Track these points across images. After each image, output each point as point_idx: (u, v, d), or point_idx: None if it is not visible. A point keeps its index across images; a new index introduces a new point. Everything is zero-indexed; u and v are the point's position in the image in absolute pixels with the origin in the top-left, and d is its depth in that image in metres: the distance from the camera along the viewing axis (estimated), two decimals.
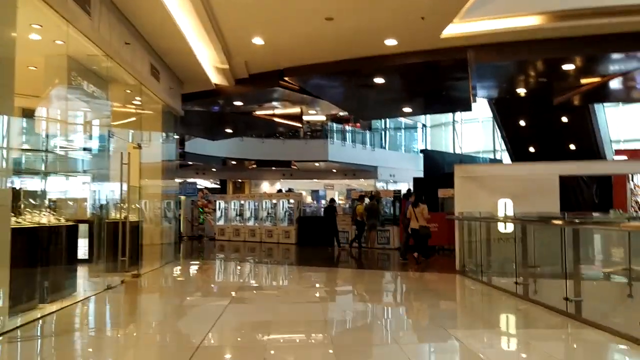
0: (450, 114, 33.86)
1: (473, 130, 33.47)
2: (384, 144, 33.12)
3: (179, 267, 11.82)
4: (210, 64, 11.70)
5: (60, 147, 9.11)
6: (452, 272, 9.82)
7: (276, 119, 16.66)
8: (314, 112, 16.21)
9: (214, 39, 9.92)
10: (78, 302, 6.78)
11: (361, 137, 31.31)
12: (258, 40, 10.18)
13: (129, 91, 9.96)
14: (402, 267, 12.42)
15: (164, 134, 12.02)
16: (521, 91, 13.21)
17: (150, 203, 11.46)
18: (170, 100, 11.97)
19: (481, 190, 9.61)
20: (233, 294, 7.68)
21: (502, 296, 7.34)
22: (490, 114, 31.82)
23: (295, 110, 16.26)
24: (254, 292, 8.23)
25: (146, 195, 11.19)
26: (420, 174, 34.96)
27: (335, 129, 29.86)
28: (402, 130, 35.90)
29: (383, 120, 33.52)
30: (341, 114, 33.97)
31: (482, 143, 32.48)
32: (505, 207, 9.30)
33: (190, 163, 28.73)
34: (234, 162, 30.74)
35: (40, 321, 5.67)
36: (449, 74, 11.58)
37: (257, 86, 12.83)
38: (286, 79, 12.25)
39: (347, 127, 31.19)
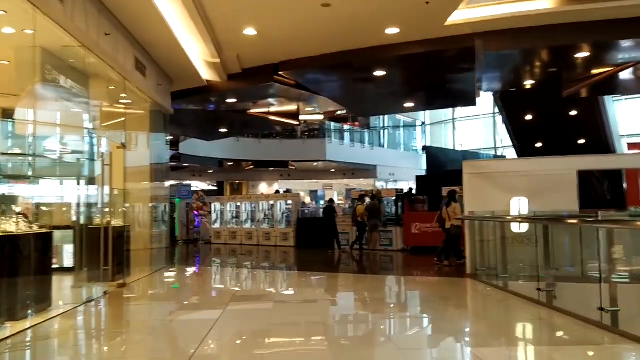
0: (450, 111, 33.36)
1: (473, 127, 32.91)
2: (382, 143, 32.53)
3: (170, 275, 11.12)
4: (200, 58, 11.01)
5: (46, 150, 8.49)
6: (463, 276, 9.14)
7: (272, 117, 15.95)
8: (311, 109, 15.51)
9: (202, 30, 9.23)
10: (51, 318, 6.08)
11: (360, 136, 30.81)
12: (250, 31, 9.50)
13: (112, 87, 9.27)
14: (406, 272, 11.74)
15: (152, 134, 11.33)
16: (529, 83, 12.55)
17: (138, 206, 10.78)
18: (159, 97, 11.28)
19: (492, 187, 8.94)
20: (225, 306, 6.99)
21: (523, 304, 6.64)
22: (491, 111, 31.88)
23: (292, 107, 15.56)
24: (248, 304, 7.53)
25: (134, 198, 10.50)
26: (421, 173, 34.73)
27: (333, 128, 29.33)
28: (401, 129, 35.36)
29: (382, 119, 32.99)
30: (339, 112, 33.42)
31: (482, 140, 31.93)
32: (519, 205, 8.63)
33: (185, 165, 28.15)
34: (230, 164, 30.13)
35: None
36: (454, 65, 10.90)
37: (251, 82, 12.13)
38: (281, 73, 11.56)
39: (345, 126, 30.63)
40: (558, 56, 10.35)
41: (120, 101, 9.51)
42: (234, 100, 13.71)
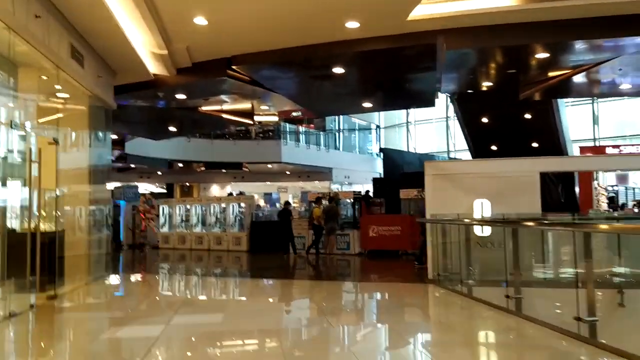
0: (404, 115, 33.59)
1: (426, 131, 33.21)
2: (338, 146, 32.31)
3: (108, 283, 10.23)
4: (146, 49, 10.22)
5: None
6: (423, 282, 8.75)
7: (225, 116, 15.22)
8: (266, 107, 14.89)
9: (147, 17, 8.47)
10: None
11: (315, 139, 30.46)
12: (200, 20, 8.80)
13: (45, 77, 8.38)
14: (365, 277, 11.31)
15: (92, 131, 10.43)
16: (487, 84, 12.39)
17: (75, 209, 9.86)
18: (100, 90, 10.39)
19: (455, 189, 8.60)
20: (168, 320, 6.30)
21: (490, 312, 6.27)
22: (444, 115, 32.29)
23: (246, 105, 14.89)
24: (194, 316, 6.83)
25: (70, 200, 9.59)
26: (376, 176, 34.78)
27: (288, 129, 28.86)
28: (357, 132, 35.29)
29: (337, 121, 32.79)
30: (294, 113, 32.95)
31: (436, 144, 32.24)
32: (482, 208, 8.32)
33: (132, 166, 26.92)
34: (180, 165, 29.10)
35: None
36: (414, 64, 10.57)
37: (202, 76, 11.40)
38: (234, 67, 10.89)
39: (301, 128, 30.22)
40: (517, 57, 10.18)
41: (55, 94, 8.63)
42: (184, 97, 12.92)
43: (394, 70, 11.15)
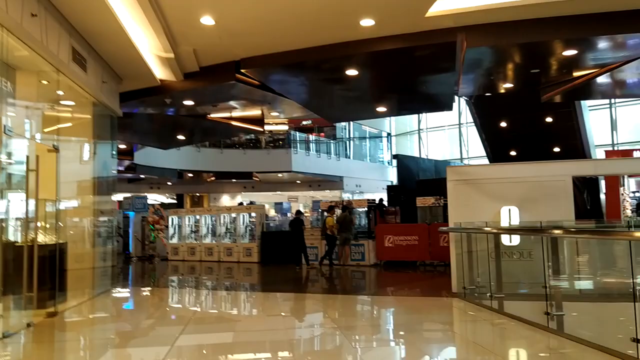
0: (416, 122, 33.09)
1: (438, 138, 32.64)
2: (349, 154, 31.87)
3: (114, 298, 9.74)
4: (152, 52, 9.81)
5: None
6: (448, 295, 8.15)
7: (234, 123, 14.78)
8: (276, 113, 14.42)
9: (152, 17, 8.04)
10: None
11: (326, 147, 30.04)
12: (207, 20, 8.37)
13: (45, 82, 7.97)
14: (382, 290, 10.72)
15: (97, 139, 10.01)
16: (507, 86, 11.82)
17: (78, 221, 9.43)
18: (104, 97, 9.98)
19: (479, 196, 8.03)
20: (174, 340, 5.78)
21: (529, 331, 5.66)
22: (455, 122, 31.70)
23: (256, 112, 14.45)
24: (203, 336, 6.31)
25: (74, 211, 9.17)
26: (387, 184, 34.23)
27: (298, 138, 28.49)
28: (367, 140, 34.84)
29: (347, 129, 32.38)
30: (305, 122, 32.66)
31: (448, 152, 31.63)
32: (509, 215, 7.74)
33: (142, 176, 26.63)
34: (190, 175, 28.79)
35: None
36: (432, 64, 10.06)
37: (210, 81, 10.97)
38: (243, 71, 10.45)
39: (311, 137, 29.84)
40: (542, 55, 9.61)
41: (56, 99, 8.23)
42: (192, 103, 12.49)
43: (411, 71, 10.65)
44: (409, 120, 34.42)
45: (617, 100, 22.97)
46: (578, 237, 5.11)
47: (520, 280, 7.06)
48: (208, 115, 14.42)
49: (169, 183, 29.87)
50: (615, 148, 23.58)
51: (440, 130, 32.90)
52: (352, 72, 10.45)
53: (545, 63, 10.18)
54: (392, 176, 34.24)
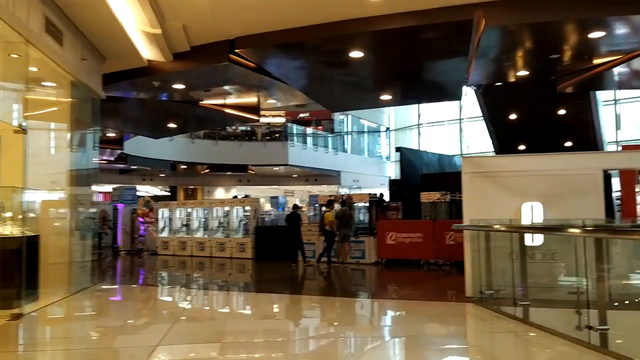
0: (415, 117, 32.33)
1: (437, 133, 31.92)
2: (346, 148, 31.13)
3: (92, 297, 8.87)
4: (138, 27, 8.92)
5: None
6: (461, 300, 7.33)
7: (228, 110, 13.90)
8: (273, 101, 13.55)
9: None
10: None
11: (323, 141, 29.29)
12: None
13: (14, 55, 7.10)
14: (386, 292, 9.89)
15: (75, 121, 9.12)
16: (522, 74, 11.00)
17: (53, 212, 8.56)
18: (85, 76, 9.10)
19: (498, 190, 7.21)
20: (151, 351, 4.94)
21: (565, 347, 4.84)
22: (456, 116, 30.91)
23: (251, 99, 13.57)
24: (186, 347, 5.46)
25: (47, 202, 8.30)
26: (386, 179, 33.51)
27: (295, 131, 27.73)
28: (365, 134, 34.10)
29: (345, 123, 31.58)
30: (302, 115, 31.85)
31: (448, 147, 30.90)
32: (532, 212, 6.92)
33: (134, 167, 25.79)
34: (184, 167, 27.95)
35: None
36: (444, 46, 9.23)
37: (202, 61, 10.10)
38: (238, 51, 9.58)
39: (309, 130, 29.07)
40: (566, 37, 8.79)
41: (28, 76, 7.34)
42: (182, 87, 11.60)
43: (419, 55, 9.81)
44: (408, 115, 33.76)
45: (622, 96, 22.19)
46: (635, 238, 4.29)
47: (546, 284, 6.26)
48: (200, 102, 13.53)
49: (162, 175, 29.07)
50: (619, 145, 22.81)
51: (439, 126, 32.22)
52: (355, 54, 9.59)
53: (567, 47, 9.37)
54: (391, 171, 33.58)
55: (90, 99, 9.82)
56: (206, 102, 13.64)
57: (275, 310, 7.83)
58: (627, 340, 4.63)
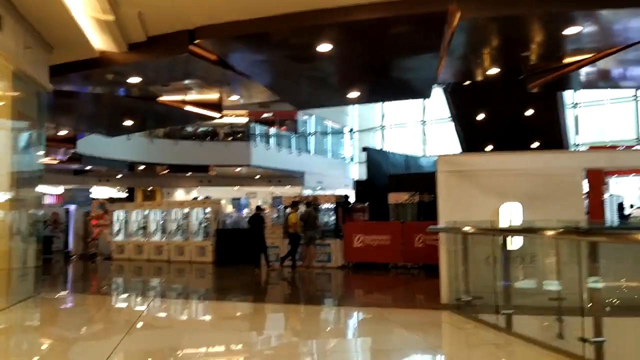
0: (379, 118, 32.30)
1: (401, 135, 32.01)
2: (310, 149, 30.74)
3: (34, 309, 8.05)
4: (88, 13, 8.16)
5: None
6: (436, 307, 6.91)
7: (189, 108, 13.17)
8: (236, 97, 12.89)
9: None
10: None
11: (287, 141, 28.80)
12: None
13: None
14: (355, 298, 9.42)
15: (16, 116, 8.29)
16: (493, 71, 10.78)
17: None
18: (28, 66, 8.30)
19: (476, 190, 6.86)
20: None
21: None
22: (420, 118, 30.97)
23: (213, 96, 12.90)
24: None
25: None
26: (349, 182, 33.17)
27: (258, 131, 27.15)
28: (329, 135, 33.82)
29: (309, 124, 31.15)
30: (265, 115, 31.18)
31: (411, 148, 30.97)
32: (511, 213, 6.59)
33: (88, 168, 24.61)
34: (142, 167, 26.86)
35: None
36: (415, 40, 8.83)
37: (159, 53, 9.38)
38: (198, 42, 8.93)
39: (272, 130, 28.51)
40: (541, 32, 8.55)
41: None
42: (139, 80, 10.83)
43: (389, 49, 9.37)
44: (372, 117, 33.83)
45: (581, 100, 22.54)
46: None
47: (530, 290, 5.93)
48: (159, 98, 12.76)
49: (119, 176, 27.91)
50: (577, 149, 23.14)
51: (403, 127, 32.30)
52: (322, 47, 9.07)
53: (539, 44, 9.15)
54: (354, 173, 33.38)
55: (35, 92, 9.01)
56: (165, 98, 12.87)
57: (235, 320, 7.23)
58: (622, 353, 4.29)
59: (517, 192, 6.67)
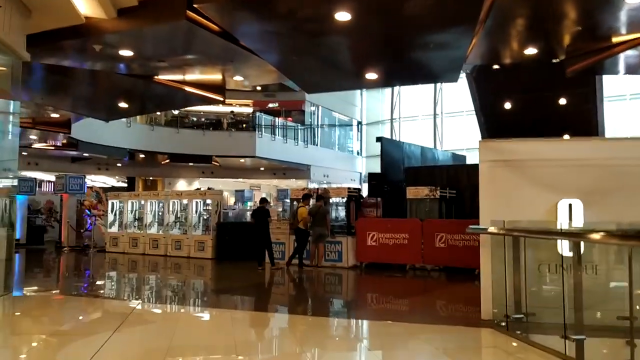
0: (389, 111, 31.01)
1: (412, 128, 30.82)
2: (317, 141, 29.75)
3: None
4: None
5: None
6: (475, 323, 5.71)
7: (188, 88, 12.01)
8: (240, 78, 11.69)
9: None
10: None
11: (293, 133, 27.80)
12: None
13: None
14: (373, 309, 8.19)
15: None
16: (531, 51, 9.55)
17: None
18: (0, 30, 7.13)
19: (525, 183, 5.65)
20: None
21: None
22: (431, 111, 29.74)
23: (215, 76, 11.71)
24: None
25: None
26: (356, 176, 32.11)
27: (264, 122, 26.14)
28: (337, 127, 32.77)
29: (316, 115, 30.08)
30: (271, 105, 30.03)
31: (423, 143, 29.81)
32: (570, 212, 5.39)
33: (86, 155, 23.57)
34: (142, 156, 25.83)
35: None
36: (451, 9, 7.57)
37: (152, 19, 8.19)
38: (197, 7, 7.71)
39: (278, 121, 27.48)
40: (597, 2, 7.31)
41: None
42: (131, 53, 9.63)
43: (416, 21, 8.10)
44: (381, 109, 32.76)
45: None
46: None
47: (605, 308, 4.75)
48: (155, 77, 11.58)
49: (119, 165, 26.91)
50: None
51: (413, 120, 31.16)
52: (340, 16, 7.83)
53: (596, 16, 7.89)
54: (362, 167, 32.39)
55: (11, 61, 7.87)
56: (162, 77, 11.69)
57: (230, 335, 6.03)
58: None
59: (576, 186, 5.46)
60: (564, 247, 4.90)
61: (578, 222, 5.37)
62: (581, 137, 6.25)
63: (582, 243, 4.41)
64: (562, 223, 5.20)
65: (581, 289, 4.30)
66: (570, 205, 5.43)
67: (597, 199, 5.40)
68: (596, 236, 4.02)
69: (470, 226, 5.78)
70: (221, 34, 8.70)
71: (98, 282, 10.50)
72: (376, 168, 17.56)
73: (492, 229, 5.36)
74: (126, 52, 9.58)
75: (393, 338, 5.51)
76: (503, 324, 5.30)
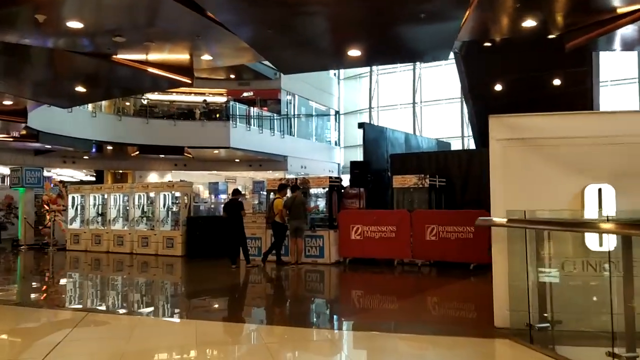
0: (367, 100, 30.21)
1: (391, 117, 30.17)
2: (293, 132, 28.96)
3: None
4: None
5: None
6: (487, 332, 4.81)
7: (152, 69, 10.84)
8: (209, 57, 10.56)
9: None
10: None
11: (269, 123, 26.96)
12: None
13: None
14: (364, 314, 7.20)
15: None
16: (529, 24, 8.71)
17: None
18: None
19: (546, 165, 4.77)
20: None
21: None
22: (410, 100, 29.05)
23: (182, 55, 10.58)
24: None
25: None
26: (334, 167, 31.27)
27: (238, 111, 25.21)
28: (314, 117, 31.98)
29: (293, 104, 29.14)
30: (245, 94, 28.91)
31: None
32: (600, 199, 4.52)
33: (49, 147, 22.13)
34: (110, 148, 24.52)
35: None
36: None
37: None
38: None
39: (253, 110, 26.54)
40: None
41: None
42: (80, 26, 8.41)
43: None
44: (360, 99, 32.06)
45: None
46: None
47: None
48: (113, 56, 10.37)
49: (86, 157, 25.54)
50: None
51: (393, 109, 30.51)
52: None
53: None
54: (340, 158, 31.59)
55: None
56: (122, 56, 10.48)
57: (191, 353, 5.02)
58: None
59: (607, 168, 4.59)
60: (605, 242, 4.04)
61: (610, 211, 4.49)
62: (606, 112, 5.35)
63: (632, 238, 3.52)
64: (609, 214, 4.29)
65: (632, 293, 3.41)
66: (600, 191, 4.55)
67: (630, 182, 4.54)
68: None
69: (481, 217, 4.86)
70: (186, 2, 7.59)
71: (48, 288, 9.36)
72: (355, 158, 16.75)
73: (508, 221, 4.44)
74: (75, 24, 8.34)
75: (386, 357, 4.54)
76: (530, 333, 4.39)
